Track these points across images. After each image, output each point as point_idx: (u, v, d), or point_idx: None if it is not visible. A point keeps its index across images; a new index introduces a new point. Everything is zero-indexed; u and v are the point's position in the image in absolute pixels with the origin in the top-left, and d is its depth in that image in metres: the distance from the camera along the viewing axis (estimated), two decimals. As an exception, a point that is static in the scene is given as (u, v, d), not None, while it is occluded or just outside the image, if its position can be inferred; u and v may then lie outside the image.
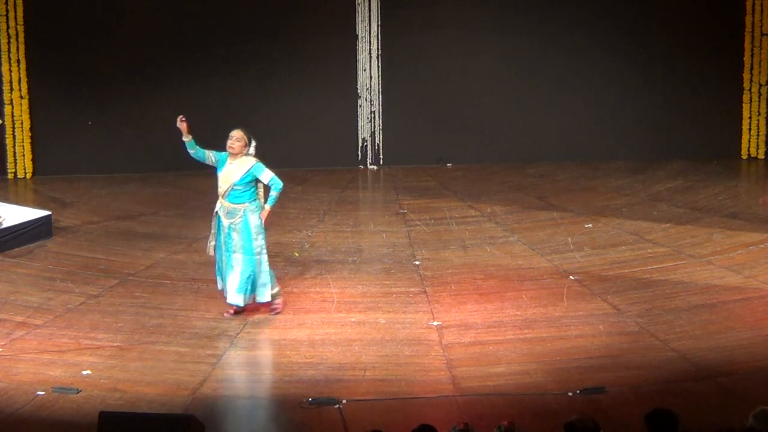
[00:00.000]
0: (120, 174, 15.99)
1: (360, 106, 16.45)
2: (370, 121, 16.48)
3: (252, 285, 9.34)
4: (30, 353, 8.59)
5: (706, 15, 16.14)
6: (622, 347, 8.56)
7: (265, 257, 9.34)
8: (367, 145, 16.55)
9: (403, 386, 7.91)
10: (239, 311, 9.49)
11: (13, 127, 15.81)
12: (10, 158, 15.88)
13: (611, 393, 7.61)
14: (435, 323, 9.22)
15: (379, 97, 16.43)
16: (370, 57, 16.33)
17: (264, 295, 9.41)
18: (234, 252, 9.28)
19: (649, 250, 11.30)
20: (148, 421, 6.69)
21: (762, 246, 11.24)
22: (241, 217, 9.28)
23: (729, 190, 14.16)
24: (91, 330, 9.16)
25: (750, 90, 16.13)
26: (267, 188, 9.39)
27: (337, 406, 7.49)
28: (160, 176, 15.87)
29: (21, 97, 15.74)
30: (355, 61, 16.33)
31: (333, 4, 16.36)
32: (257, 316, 9.49)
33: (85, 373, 8.17)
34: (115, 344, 8.84)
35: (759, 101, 16.13)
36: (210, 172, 15.37)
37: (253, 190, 9.34)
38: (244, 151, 9.30)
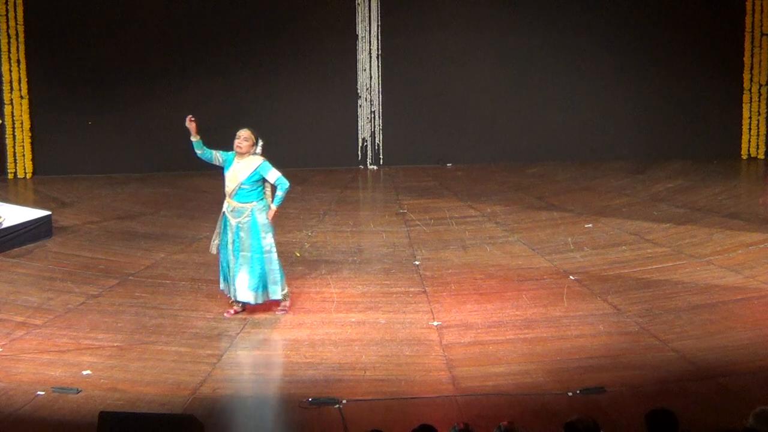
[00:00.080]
0: (120, 174, 16.00)
1: (360, 106, 16.45)
2: (370, 121, 16.49)
3: (263, 283, 9.35)
4: (30, 353, 8.59)
5: (706, 15, 16.15)
6: (622, 347, 8.56)
7: (274, 255, 9.37)
8: (367, 145, 16.55)
9: (403, 386, 7.91)
10: (240, 311, 9.49)
11: (13, 127, 15.82)
12: (10, 158, 15.89)
13: (611, 393, 7.61)
14: (435, 323, 9.22)
15: (379, 97, 16.44)
16: (370, 57, 16.34)
17: (277, 293, 9.44)
18: (242, 251, 9.30)
19: (649, 250, 11.30)
20: (148, 421, 6.69)
21: (762, 246, 11.24)
22: (248, 216, 9.29)
23: (729, 190, 14.17)
24: (91, 330, 9.16)
25: (750, 90, 16.14)
26: (274, 187, 9.40)
27: (337, 406, 7.49)
28: (160, 176, 15.89)
29: (21, 97, 15.75)
30: (355, 61, 16.33)
31: (333, 4, 16.37)
32: (257, 316, 9.49)
33: (85, 373, 8.17)
34: (115, 344, 8.84)
35: (759, 101, 16.14)
36: (209, 172, 15.41)
37: (260, 189, 9.36)
38: (252, 151, 9.31)
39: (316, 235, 12.36)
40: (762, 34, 15.95)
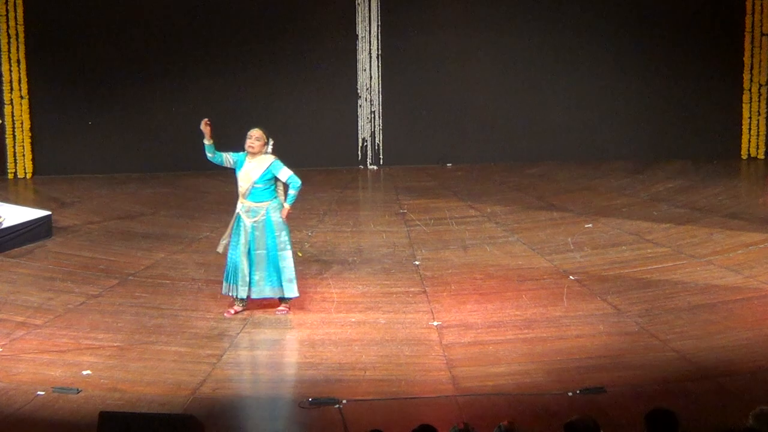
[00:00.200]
0: (120, 174, 16.01)
1: (360, 106, 16.46)
2: (370, 121, 16.49)
3: (279, 280, 9.37)
4: (30, 353, 8.59)
5: (706, 15, 16.15)
6: (622, 347, 8.55)
7: (289, 253, 9.39)
8: (367, 145, 16.56)
9: (403, 386, 7.91)
10: (240, 311, 9.49)
11: (13, 127, 15.83)
12: (10, 158, 15.89)
13: (611, 393, 7.61)
14: (435, 323, 9.22)
15: (379, 97, 16.44)
16: (370, 57, 16.34)
17: (291, 291, 9.44)
18: (258, 249, 9.32)
19: (649, 250, 11.29)
20: (148, 421, 6.68)
21: (762, 246, 11.23)
22: (263, 215, 9.31)
23: (729, 190, 14.16)
24: (91, 330, 9.16)
25: (750, 90, 16.14)
26: (286, 186, 9.41)
27: (337, 406, 7.49)
28: (160, 176, 15.89)
29: (21, 97, 15.75)
30: (355, 61, 16.33)
31: (333, 4, 16.37)
32: (257, 316, 9.49)
33: (85, 373, 8.17)
34: (115, 344, 8.83)
35: (759, 101, 16.14)
36: (210, 172, 15.46)
37: (273, 188, 9.37)
38: (263, 150, 9.32)
39: (316, 235, 12.36)
40: (762, 34, 15.95)
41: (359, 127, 16.51)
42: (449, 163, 16.60)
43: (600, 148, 16.41)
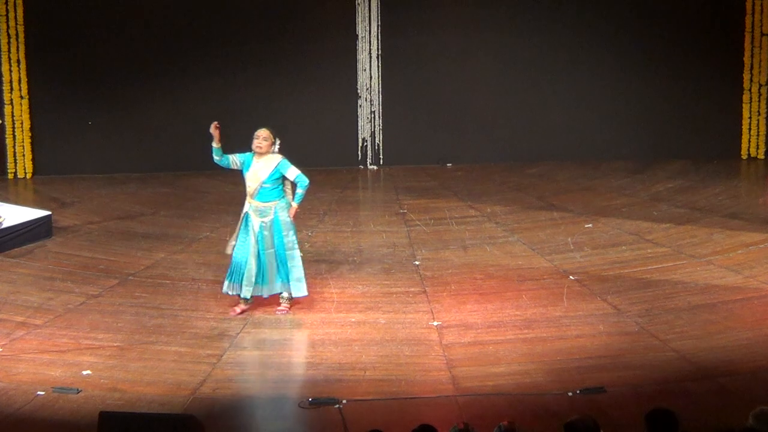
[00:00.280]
0: (120, 174, 16.01)
1: (360, 106, 16.46)
2: (370, 121, 16.49)
3: (288, 279, 9.37)
4: (30, 353, 8.59)
5: (706, 15, 16.15)
6: (622, 347, 8.56)
7: (297, 252, 9.41)
8: (367, 145, 16.56)
9: (403, 386, 7.91)
10: (246, 310, 9.47)
11: (13, 127, 15.83)
12: (10, 158, 15.89)
13: (611, 393, 7.61)
14: (435, 323, 9.22)
15: (379, 97, 16.44)
16: (370, 57, 16.34)
17: (300, 290, 9.46)
18: (267, 248, 9.33)
19: (649, 250, 11.29)
20: (148, 421, 6.69)
21: (762, 246, 11.23)
22: (271, 215, 9.32)
23: (729, 190, 14.17)
24: (91, 330, 9.16)
25: (750, 90, 16.14)
26: (293, 185, 9.41)
27: (337, 406, 7.49)
28: (160, 176, 15.89)
29: (21, 97, 15.75)
30: (355, 61, 16.34)
31: (333, 4, 16.36)
32: (257, 316, 9.49)
33: (85, 373, 8.17)
34: (115, 344, 8.83)
35: (759, 101, 16.14)
36: (209, 172, 15.46)
37: (280, 187, 9.39)
38: (271, 150, 9.33)
39: (316, 235, 12.36)
40: (762, 34, 15.95)
41: (359, 127, 16.51)
42: (449, 163, 16.60)
43: (600, 148, 16.41)
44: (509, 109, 16.50)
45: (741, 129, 16.26)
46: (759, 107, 16.15)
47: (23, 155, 15.92)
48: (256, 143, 9.32)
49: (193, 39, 16.05)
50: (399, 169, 16.34)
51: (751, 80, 16.11)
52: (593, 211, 13.12)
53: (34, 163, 16.02)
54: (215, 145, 9.27)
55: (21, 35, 15.61)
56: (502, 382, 7.90)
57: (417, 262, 11.11)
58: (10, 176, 15.88)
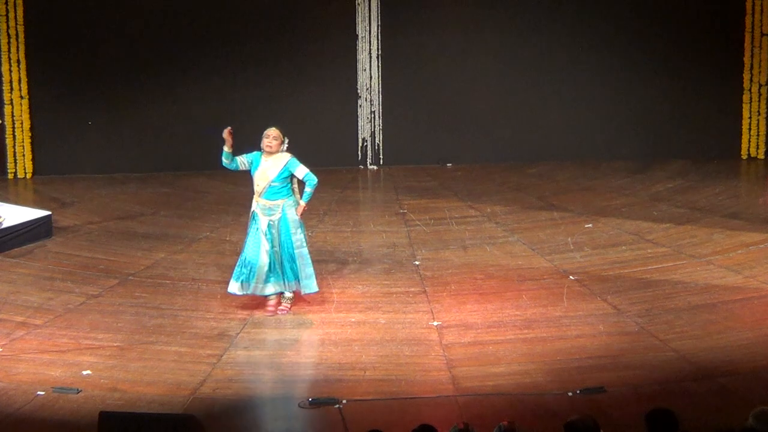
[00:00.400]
0: (120, 174, 16.00)
1: (360, 106, 16.45)
2: (370, 121, 16.49)
3: (296, 277, 9.37)
4: (30, 353, 8.59)
5: (706, 15, 16.15)
6: (622, 347, 8.56)
7: (306, 250, 9.41)
8: (367, 145, 16.56)
9: (403, 386, 7.91)
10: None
11: (13, 127, 15.82)
12: (10, 158, 15.89)
13: (611, 393, 7.61)
14: (435, 323, 9.22)
15: (379, 97, 16.43)
16: (370, 57, 16.34)
17: (311, 287, 9.47)
18: (274, 247, 9.33)
19: (649, 250, 11.29)
20: (148, 421, 6.69)
21: (762, 246, 11.23)
22: (279, 213, 9.32)
23: (729, 190, 14.17)
24: (91, 330, 9.16)
25: (750, 90, 16.14)
26: (300, 183, 9.42)
27: (337, 406, 7.49)
28: (160, 176, 15.89)
29: (21, 97, 15.75)
30: (355, 61, 16.33)
31: (333, 4, 16.36)
32: (257, 316, 9.49)
33: (85, 373, 8.17)
34: (115, 344, 8.84)
35: (759, 101, 16.13)
36: (209, 172, 15.48)
37: (289, 186, 9.40)
38: (280, 149, 9.34)
39: (316, 235, 12.35)
40: (762, 34, 15.94)
41: (359, 127, 16.51)
42: (449, 163, 16.60)
43: (600, 148, 16.40)
44: (509, 109, 16.49)
45: (741, 129, 16.25)
46: (759, 107, 16.14)
47: (23, 155, 15.92)
48: (266, 142, 9.32)
49: (193, 39, 16.05)
50: (399, 169, 16.34)
51: (751, 80, 16.10)
52: (593, 211, 13.11)
53: (34, 163, 16.01)
54: (226, 149, 9.26)
55: (21, 35, 15.60)
56: (502, 382, 7.90)
57: (417, 262, 11.11)
58: (10, 176, 15.87)
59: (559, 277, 10.46)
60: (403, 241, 12.00)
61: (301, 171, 9.36)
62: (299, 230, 9.40)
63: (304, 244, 9.43)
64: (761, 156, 16.21)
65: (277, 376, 8.41)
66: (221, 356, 8.55)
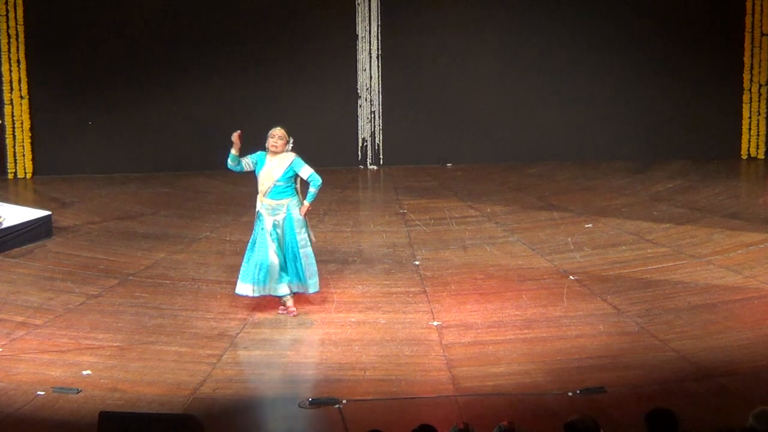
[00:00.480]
0: (120, 174, 15.99)
1: (360, 106, 16.45)
2: (370, 121, 16.48)
3: (301, 276, 9.38)
4: (30, 353, 8.59)
5: (706, 15, 16.14)
6: (622, 347, 8.56)
7: (310, 250, 9.42)
8: (367, 145, 16.55)
9: (403, 386, 7.91)
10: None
11: (13, 127, 15.82)
12: (10, 158, 15.88)
13: (611, 393, 7.61)
14: (435, 323, 9.22)
15: (379, 97, 16.43)
16: (370, 57, 16.33)
17: (315, 286, 9.49)
18: (280, 247, 9.32)
19: (649, 250, 11.29)
20: (148, 421, 6.69)
21: (762, 246, 11.23)
22: (284, 212, 9.32)
23: (729, 190, 14.16)
24: (91, 330, 9.16)
25: (750, 90, 16.13)
26: (303, 183, 9.42)
27: (337, 406, 7.49)
28: (160, 176, 15.88)
29: (21, 97, 15.74)
30: (355, 61, 16.33)
31: (333, 4, 16.36)
32: (257, 316, 9.49)
33: (85, 373, 8.17)
34: (115, 344, 8.84)
35: (759, 101, 16.13)
36: (209, 172, 15.48)
37: (293, 185, 9.41)
38: (285, 148, 9.34)
39: (316, 235, 12.33)
40: (762, 34, 15.94)
41: (359, 127, 16.50)
42: (449, 163, 16.60)
43: (600, 148, 16.40)
44: (509, 109, 16.49)
45: (741, 129, 16.25)
46: (759, 107, 16.14)
47: (23, 155, 15.91)
48: (271, 142, 9.33)
49: (193, 39, 16.04)
50: (399, 169, 16.34)
51: (751, 80, 16.10)
52: (593, 211, 13.11)
53: (34, 163, 16.01)
54: (234, 152, 9.26)
55: (21, 35, 15.60)
56: (502, 382, 7.90)
57: (417, 262, 11.11)
58: (10, 176, 15.87)
59: (559, 277, 10.46)
60: (403, 241, 12.00)
61: (306, 171, 9.37)
62: (304, 229, 9.41)
63: (308, 244, 9.44)
64: (761, 156, 16.20)
65: (277, 376, 8.41)
66: (221, 356, 8.55)
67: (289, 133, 9.42)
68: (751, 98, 16.15)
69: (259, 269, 9.29)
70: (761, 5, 15.83)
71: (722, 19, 16.11)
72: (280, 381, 8.28)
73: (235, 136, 9.24)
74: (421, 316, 9.42)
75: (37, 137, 15.98)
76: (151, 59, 16.00)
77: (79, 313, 9.61)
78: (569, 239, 11.81)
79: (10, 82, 15.68)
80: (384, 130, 16.50)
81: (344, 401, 7.55)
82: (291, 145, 9.42)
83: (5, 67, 15.61)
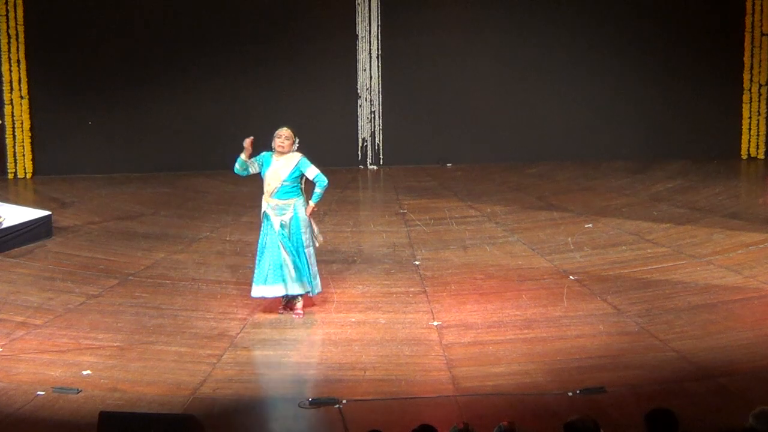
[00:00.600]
0: (120, 174, 16.00)
1: (360, 106, 16.45)
2: (370, 121, 16.49)
3: (305, 276, 9.37)
4: (30, 353, 8.59)
5: (706, 15, 16.15)
6: (622, 347, 8.55)
7: (312, 250, 9.43)
8: (367, 145, 16.56)
9: (403, 386, 7.91)
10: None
11: (13, 127, 15.83)
12: (10, 158, 15.89)
13: (611, 393, 7.61)
14: (435, 323, 9.22)
15: (379, 97, 16.44)
16: (370, 57, 16.34)
17: (317, 286, 9.50)
18: (287, 246, 9.32)
19: (649, 250, 11.29)
20: (148, 421, 6.68)
21: (762, 246, 11.23)
22: (291, 212, 9.32)
23: (729, 190, 14.17)
24: (91, 330, 9.16)
25: (750, 90, 16.14)
26: (308, 183, 9.42)
27: (337, 406, 7.49)
28: (160, 176, 15.89)
29: (21, 97, 15.75)
30: (355, 61, 16.33)
31: (333, 4, 16.36)
32: (257, 316, 9.49)
33: (85, 373, 8.17)
34: (115, 344, 8.83)
35: (759, 101, 16.14)
36: (209, 172, 15.49)
37: (299, 185, 9.42)
38: (291, 149, 9.34)
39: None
40: (762, 34, 15.94)
41: (359, 127, 16.51)
42: (449, 163, 16.60)
43: (600, 148, 16.40)
44: (509, 109, 16.50)
45: (741, 129, 16.26)
46: (759, 107, 16.15)
47: (23, 155, 15.92)
48: (278, 142, 9.32)
49: (194, 39, 16.05)
50: (399, 169, 16.34)
51: (751, 80, 16.11)
52: (593, 211, 13.11)
53: (34, 163, 16.01)
54: (243, 157, 9.26)
55: (21, 35, 15.61)
56: (502, 382, 7.89)
57: (417, 262, 11.11)
58: (10, 176, 15.88)
59: (559, 277, 10.46)
60: (403, 241, 12.00)
61: (312, 172, 9.37)
62: (308, 229, 9.41)
63: (311, 244, 9.44)
64: (761, 156, 16.21)
65: (277, 376, 8.41)
66: (221, 356, 8.55)
67: (296, 134, 9.41)
68: (751, 98, 16.15)
69: (274, 270, 9.27)
70: (761, 5, 15.84)
71: (722, 19, 16.12)
72: (280, 381, 8.28)
73: (247, 142, 9.22)
74: (421, 316, 9.42)
75: (37, 137, 15.98)
76: (151, 59, 16.01)
77: (79, 313, 9.61)
78: (569, 239, 11.81)
79: (10, 82, 15.69)
80: (384, 130, 16.51)
81: (344, 401, 7.55)
82: (297, 145, 9.41)
83: (5, 67, 15.62)
